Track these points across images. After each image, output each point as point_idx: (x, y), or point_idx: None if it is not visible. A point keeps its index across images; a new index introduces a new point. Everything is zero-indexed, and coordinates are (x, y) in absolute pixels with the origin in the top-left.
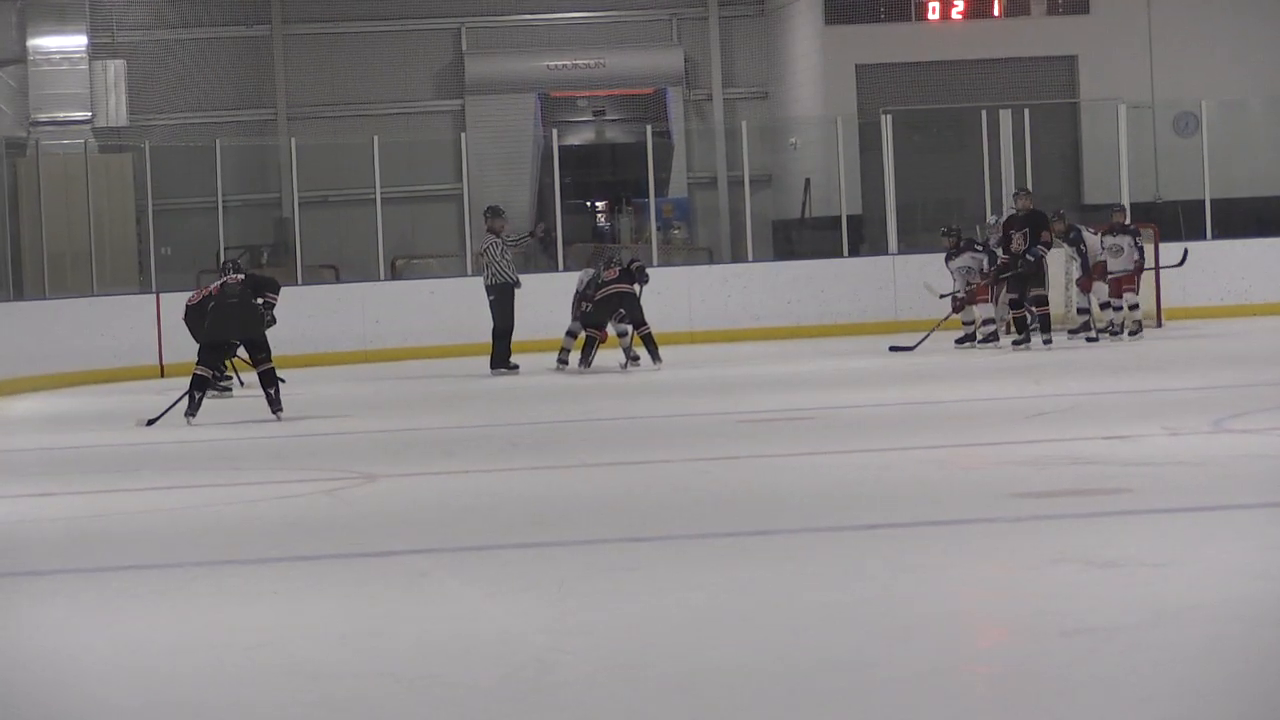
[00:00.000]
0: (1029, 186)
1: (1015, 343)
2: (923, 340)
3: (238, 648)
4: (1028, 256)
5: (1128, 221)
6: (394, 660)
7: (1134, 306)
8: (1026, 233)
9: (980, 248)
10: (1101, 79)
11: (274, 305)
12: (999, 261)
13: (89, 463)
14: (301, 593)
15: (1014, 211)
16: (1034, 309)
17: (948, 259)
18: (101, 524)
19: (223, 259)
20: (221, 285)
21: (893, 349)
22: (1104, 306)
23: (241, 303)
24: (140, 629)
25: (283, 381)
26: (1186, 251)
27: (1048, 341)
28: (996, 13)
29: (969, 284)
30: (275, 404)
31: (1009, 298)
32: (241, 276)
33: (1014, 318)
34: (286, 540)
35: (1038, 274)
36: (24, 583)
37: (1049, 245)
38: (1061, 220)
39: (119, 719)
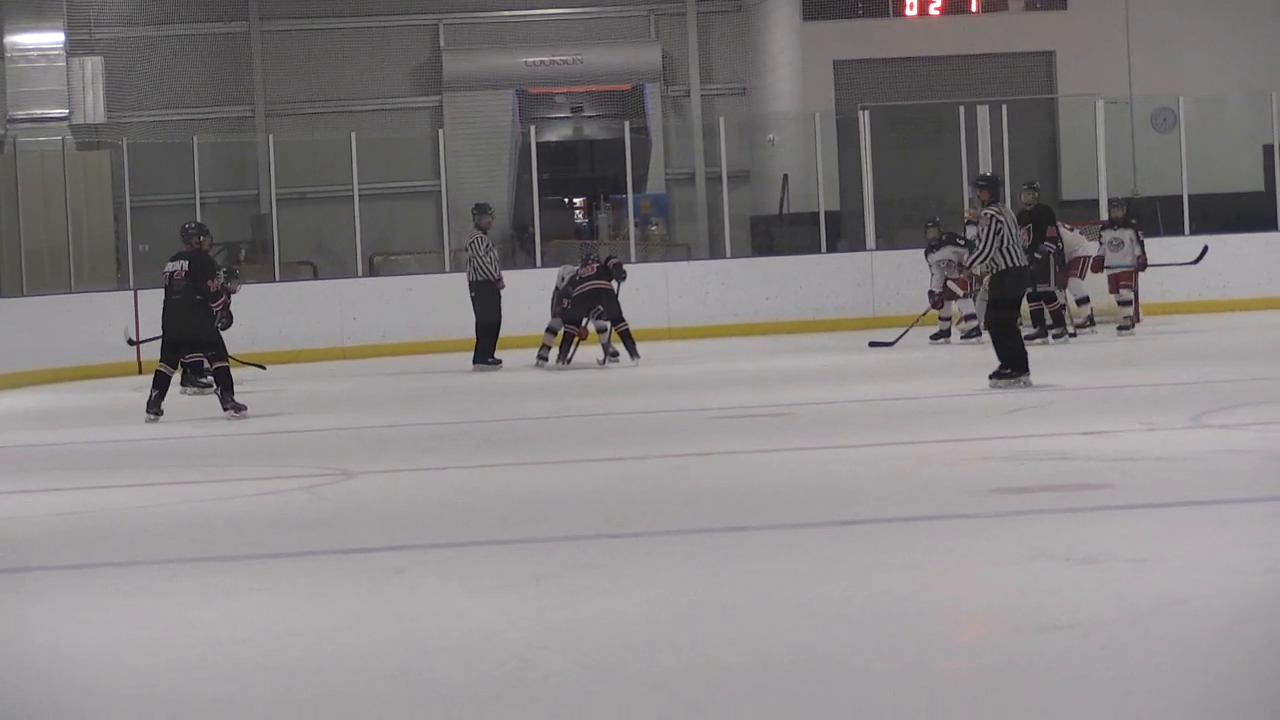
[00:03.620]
0: (1037, 183)
1: (1027, 337)
2: (902, 336)
3: (217, 644)
4: (1035, 255)
5: (1125, 215)
6: (372, 656)
7: (1126, 303)
8: (1030, 229)
9: (962, 241)
10: (1079, 74)
11: (219, 298)
12: None
13: (68, 459)
14: (280, 589)
15: (1026, 206)
16: (1035, 304)
17: (928, 252)
18: (80, 521)
19: (184, 225)
20: (169, 281)
21: (872, 344)
22: (1080, 302)
23: (184, 301)
24: (120, 625)
25: (262, 369)
26: (1206, 249)
27: (1029, 337)
28: (974, 8)
29: (947, 278)
30: (224, 402)
31: (1027, 291)
32: (185, 265)
33: (1033, 311)
34: (265, 537)
35: (1043, 270)
36: (3, 579)
37: (1055, 241)
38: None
39: (99, 714)
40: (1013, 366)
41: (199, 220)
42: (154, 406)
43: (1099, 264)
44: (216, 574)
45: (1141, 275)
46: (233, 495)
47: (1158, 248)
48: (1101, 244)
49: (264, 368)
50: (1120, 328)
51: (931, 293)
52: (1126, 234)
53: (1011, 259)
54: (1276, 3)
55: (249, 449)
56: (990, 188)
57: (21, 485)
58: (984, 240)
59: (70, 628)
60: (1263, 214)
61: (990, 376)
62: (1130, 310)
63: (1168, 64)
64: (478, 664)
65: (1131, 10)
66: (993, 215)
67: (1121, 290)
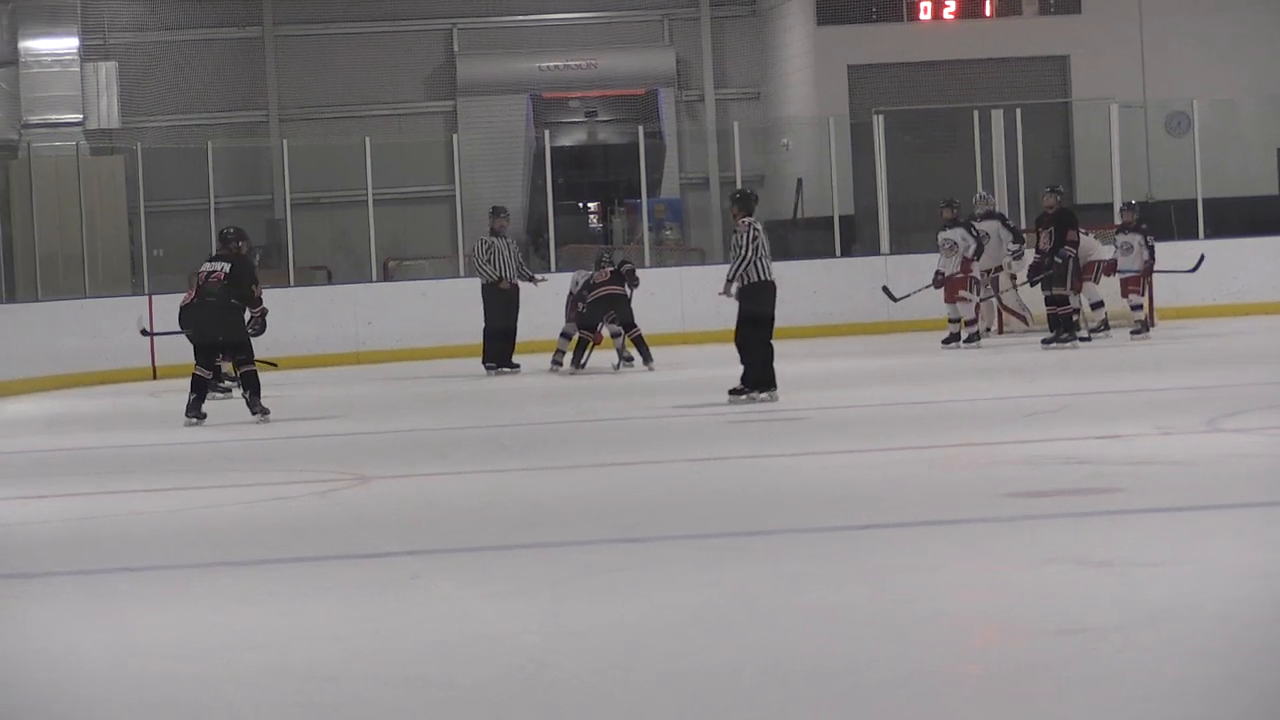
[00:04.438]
0: (1060, 186)
1: (1045, 341)
2: (910, 294)
3: (232, 649)
4: (1055, 258)
5: (1136, 219)
6: (388, 661)
7: (1137, 307)
8: (1051, 231)
9: (974, 231)
10: (1093, 79)
11: (259, 305)
12: (1034, 261)
13: (82, 465)
14: (296, 594)
15: (1048, 209)
16: (1052, 307)
17: (939, 231)
18: (95, 526)
19: (222, 229)
20: (204, 281)
21: (885, 290)
22: (1095, 306)
23: (219, 303)
24: (134, 631)
25: (275, 367)
26: (1203, 257)
27: (1047, 341)
28: (988, 13)
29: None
30: (253, 406)
31: (1044, 294)
32: (227, 269)
33: (1050, 315)
34: (280, 542)
35: (1061, 273)
36: (17, 585)
37: (1076, 245)
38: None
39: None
40: (750, 382)
41: (237, 226)
42: (193, 410)
43: (1111, 268)
44: (231, 579)
45: (1154, 279)
46: (247, 500)
47: (1167, 252)
48: (1115, 248)
49: (276, 365)
50: (1134, 332)
51: (939, 272)
52: (1136, 238)
53: (761, 273)
54: None
55: (263, 454)
56: (743, 203)
57: (35, 490)
58: (744, 247)
59: (84, 633)
60: (1276, 217)
61: (729, 392)
62: (1142, 315)
63: (1182, 68)
64: (492, 669)
65: (1145, 14)
66: (751, 223)
67: (1131, 295)
